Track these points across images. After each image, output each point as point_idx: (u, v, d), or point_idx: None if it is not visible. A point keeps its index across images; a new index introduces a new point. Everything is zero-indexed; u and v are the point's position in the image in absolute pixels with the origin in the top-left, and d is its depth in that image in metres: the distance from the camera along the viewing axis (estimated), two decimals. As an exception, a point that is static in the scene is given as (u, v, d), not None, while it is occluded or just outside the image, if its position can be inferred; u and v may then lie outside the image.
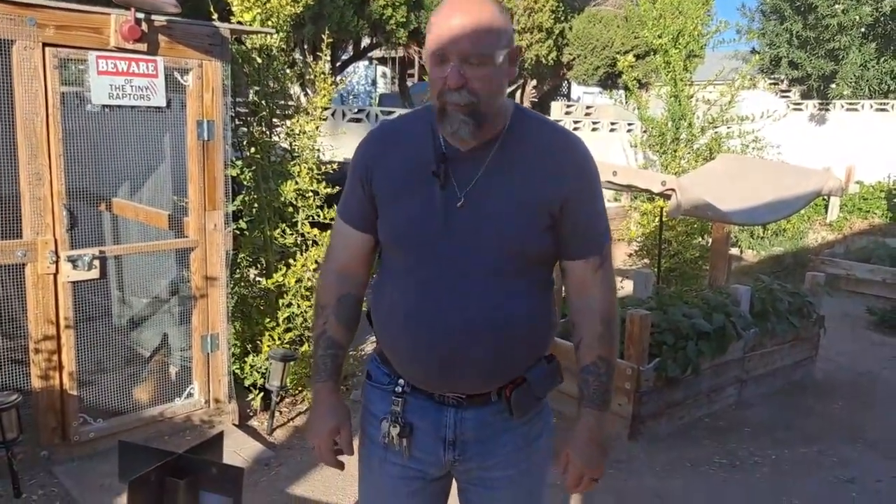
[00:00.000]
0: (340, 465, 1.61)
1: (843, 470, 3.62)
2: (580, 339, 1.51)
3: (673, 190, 3.92)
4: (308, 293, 3.96)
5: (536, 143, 1.46)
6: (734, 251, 8.69)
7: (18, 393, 2.96)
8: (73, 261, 3.04)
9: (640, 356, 3.76)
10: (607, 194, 10.34)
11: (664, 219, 6.13)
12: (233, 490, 1.79)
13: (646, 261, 7.31)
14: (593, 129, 12.96)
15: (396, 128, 1.56)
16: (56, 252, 3.01)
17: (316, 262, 3.95)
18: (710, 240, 6.23)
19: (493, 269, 1.43)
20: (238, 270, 3.98)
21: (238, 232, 3.88)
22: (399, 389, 1.54)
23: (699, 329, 4.01)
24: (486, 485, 1.57)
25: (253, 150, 3.95)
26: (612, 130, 13.07)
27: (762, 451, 3.79)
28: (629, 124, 12.82)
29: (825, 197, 5.52)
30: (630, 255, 7.76)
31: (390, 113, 11.11)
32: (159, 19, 3.10)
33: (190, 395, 3.53)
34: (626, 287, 6.44)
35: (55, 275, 3.04)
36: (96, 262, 3.10)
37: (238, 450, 3.36)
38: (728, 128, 8.16)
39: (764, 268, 8.40)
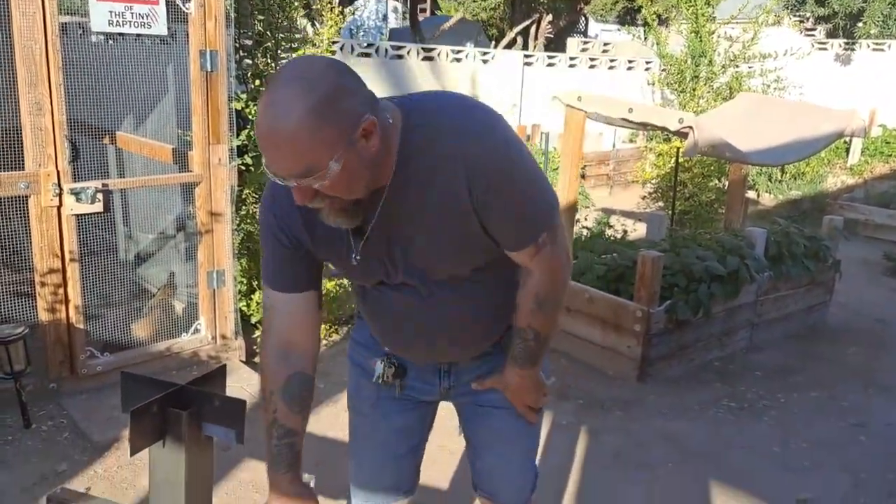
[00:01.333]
0: None
1: (853, 415, 3.60)
2: (517, 307, 1.48)
3: (690, 128, 3.79)
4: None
5: (429, 162, 1.25)
6: (751, 194, 8.53)
7: (25, 326, 2.97)
8: (76, 193, 2.99)
9: (650, 298, 3.71)
10: (623, 134, 10.13)
11: (680, 160, 6.00)
12: (236, 422, 1.78)
13: (660, 203, 7.19)
14: (610, 67, 12.62)
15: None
16: (59, 184, 2.97)
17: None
18: (727, 182, 6.10)
19: (442, 287, 1.41)
20: (244, 207, 3.93)
21: (244, 167, 3.81)
22: None
23: (712, 272, 3.94)
24: (483, 403, 1.62)
25: (258, 82, 3.84)
26: (629, 69, 12.73)
27: (772, 395, 3.76)
28: (647, 62, 12.49)
29: (846, 140, 5.35)
30: (644, 198, 7.64)
31: (400, 48, 10.81)
32: (158, -58, 2.97)
33: (196, 330, 3.53)
34: (639, 230, 6.36)
35: (59, 207, 3.00)
36: (100, 196, 3.05)
37: (245, 385, 3.37)
38: (750, 66, 7.92)
39: (781, 212, 8.25)
